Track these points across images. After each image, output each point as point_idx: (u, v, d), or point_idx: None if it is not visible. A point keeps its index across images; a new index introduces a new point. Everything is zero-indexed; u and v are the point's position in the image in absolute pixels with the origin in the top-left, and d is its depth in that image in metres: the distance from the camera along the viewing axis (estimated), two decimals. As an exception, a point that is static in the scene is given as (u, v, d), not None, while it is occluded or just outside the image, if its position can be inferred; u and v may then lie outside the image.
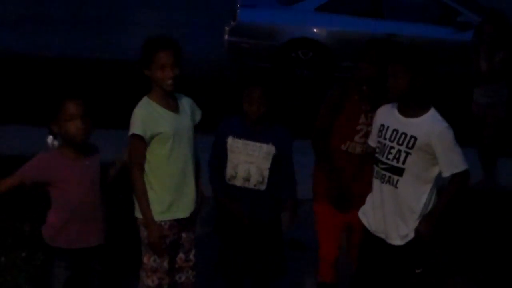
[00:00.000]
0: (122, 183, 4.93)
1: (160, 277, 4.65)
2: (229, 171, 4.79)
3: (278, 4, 11.12)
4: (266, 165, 4.76)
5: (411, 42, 8.88)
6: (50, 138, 4.38)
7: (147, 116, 4.48)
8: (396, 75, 4.30)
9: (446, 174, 4.32)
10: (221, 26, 11.10)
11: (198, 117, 4.73)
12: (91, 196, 4.37)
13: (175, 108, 4.58)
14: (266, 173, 4.77)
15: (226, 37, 10.82)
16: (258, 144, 4.75)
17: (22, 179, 4.26)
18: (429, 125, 4.33)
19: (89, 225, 4.39)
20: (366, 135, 4.75)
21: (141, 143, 4.48)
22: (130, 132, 4.49)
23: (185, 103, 4.67)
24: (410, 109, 4.38)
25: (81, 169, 4.34)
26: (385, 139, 4.41)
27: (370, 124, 4.71)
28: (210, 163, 4.85)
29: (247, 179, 4.77)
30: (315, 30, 10.59)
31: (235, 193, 4.78)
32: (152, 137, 4.48)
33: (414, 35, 10.36)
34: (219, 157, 4.80)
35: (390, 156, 4.40)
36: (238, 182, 4.77)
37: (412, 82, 4.29)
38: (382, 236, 4.51)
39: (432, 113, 4.38)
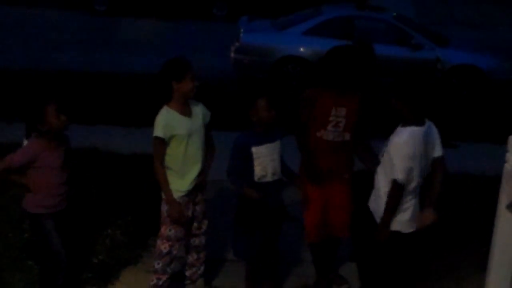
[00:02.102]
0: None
1: (171, 244, 4.71)
2: (258, 173, 4.60)
3: (273, 29, 11.14)
4: (280, 156, 4.70)
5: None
6: (26, 142, 4.56)
7: (167, 122, 4.52)
8: (388, 105, 4.40)
9: (391, 176, 4.32)
10: (228, 47, 11.17)
11: (208, 118, 4.75)
12: (61, 176, 4.52)
13: (189, 114, 4.61)
14: (280, 163, 4.71)
15: (231, 55, 10.86)
16: (275, 143, 4.65)
17: (10, 164, 4.38)
18: (393, 137, 4.37)
19: (59, 196, 4.55)
20: (336, 125, 4.72)
21: (161, 143, 4.54)
22: (154, 135, 4.55)
23: (197, 107, 4.69)
24: (403, 122, 4.37)
25: (57, 155, 4.48)
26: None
27: (339, 116, 4.70)
28: (229, 173, 4.63)
29: (275, 173, 4.66)
30: (301, 49, 10.64)
31: (267, 188, 4.62)
32: (170, 138, 4.54)
33: (378, 53, 10.40)
34: (241, 166, 4.59)
35: (382, 152, 4.50)
36: (269, 178, 4.63)
37: (398, 110, 4.32)
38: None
39: (410, 129, 4.30)
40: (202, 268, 5.00)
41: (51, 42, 12.77)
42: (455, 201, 6.67)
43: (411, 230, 4.47)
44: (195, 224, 4.83)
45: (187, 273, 5.00)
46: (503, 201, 4.41)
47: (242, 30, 10.91)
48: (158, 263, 4.76)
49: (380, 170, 4.48)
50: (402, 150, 4.27)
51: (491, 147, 8.05)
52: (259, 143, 4.58)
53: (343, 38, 10.44)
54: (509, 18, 15.94)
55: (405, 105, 4.29)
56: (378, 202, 4.48)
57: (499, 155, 4.75)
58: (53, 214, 4.55)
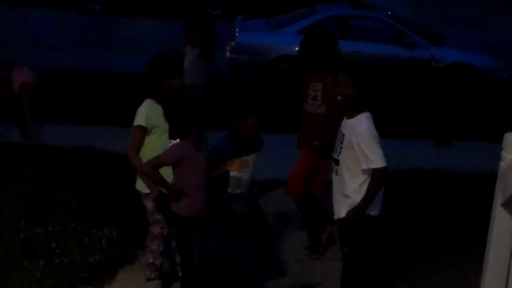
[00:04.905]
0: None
1: (162, 226, 4.76)
2: (233, 184, 4.67)
3: (268, 28, 11.13)
4: (253, 167, 4.74)
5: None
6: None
7: (150, 112, 4.58)
8: (339, 83, 4.31)
9: (362, 166, 4.20)
10: (223, 46, 11.15)
11: None
12: (206, 178, 4.44)
13: None
14: (251, 176, 4.78)
15: (227, 54, 10.86)
16: (253, 155, 4.70)
17: (163, 160, 4.29)
18: (354, 125, 4.24)
19: (202, 199, 4.44)
20: (314, 98, 5.30)
21: (142, 132, 4.58)
22: (135, 124, 4.60)
23: None
24: (348, 112, 4.34)
25: (202, 155, 4.47)
26: (337, 139, 4.45)
27: (316, 90, 5.27)
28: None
29: (248, 185, 4.77)
30: (296, 48, 10.56)
31: (237, 198, 4.68)
32: (152, 128, 4.58)
33: (373, 52, 10.48)
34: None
35: (335, 150, 4.42)
36: (242, 190, 4.71)
37: (348, 89, 4.24)
38: (336, 216, 4.48)
39: (362, 116, 4.26)
40: None
41: (45, 41, 12.77)
42: (450, 199, 6.70)
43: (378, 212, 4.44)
44: None
45: (180, 274, 4.91)
46: (498, 199, 4.43)
47: (237, 30, 10.91)
48: (154, 244, 4.83)
49: (340, 168, 4.36)
50: (369, 136, 4.18)
51: (486, 145, 8.07)
52: (237, 155, 4.54)
53: (338, 37, 10.45)
54: (504, 17, 15.98)
55: (357, 90, 4.23)
56: (346, 202, 4.36)
57: (494, 153, 4.77)
58: (195, 220, 4.45)
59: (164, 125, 4.57)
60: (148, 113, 4.57)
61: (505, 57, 11.07)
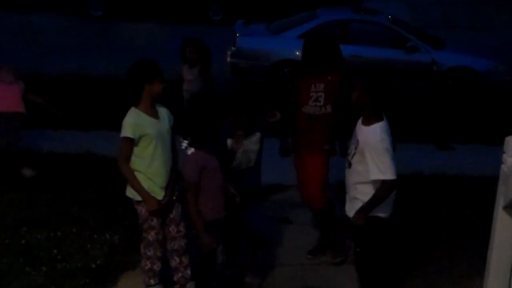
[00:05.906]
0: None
1: (156, 232, 4.77)
2: (233, 163, 4.88)
3: (268, 33, 11.15)
4: (257, 146, 4.92)
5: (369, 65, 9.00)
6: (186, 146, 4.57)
7: (136, 122, 4.56)
8: (353, 88, 4.36)
9: (372, 177, 4.28)
10: (224, 51, 11.17)
11: (172, 121, 4.77)
12: (221, 177, 4.61)
13: (156, 116, 4.67)
14: (257, 151, 4.94)
15: (228, 59, 10.87)
16: (250, 137, 4.87)
17: (193, 183, 4.48)
18: (368, 135, 4.29)
19: (222, 201, 4.64)
20: (316, 100, 5.22)
21: (130, 144, 4.57)
22: (122, 135, 4.58)
23: (163, 111, 4.74)
24: (364, 119, 4.38)
25: (213, 157, 4.58)
26: (351, 142, 4.53)
27: (318, 91, 5.21)
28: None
29: (248, 163, 4.91)
30: (297, 53, 10.56)
31: (239, 174, 4.89)
32: (140, 138, 4.56)
33: (373, 56, 10.47)
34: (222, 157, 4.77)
35: (349, 152, 4.51)
36: (243, 167, 4.90)
37: (361, 96, 4.30)
38: (348, 215, 4.59)
39: (378, 125, 4.30)
40: (188, 271, 4.95)
41: (47, 47, 12.78)
42: (452, 203, 6.69)
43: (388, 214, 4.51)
44: (173, 227, 4.84)
45: (175, 278, 4.98)
46: (500, 202, 4.42)
47: (238, 34, 10.92)
48: (150, 250, 4.84)
49: (351, 171, 4.46)
50: (381, 148, 4.23)
51: (487, 148, 8.07)
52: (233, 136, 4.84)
53: (339, 42, 10.45)
54: (505, 20, 15.99)
55: (372, 98, 4.26)
56: (355, 205, 4.47)
57: (495, 156, 4.76)
58: (216, 223, 4.65)
59: (152, 132, 4.57)
60: (134, 123, 4.56)
61: (506, 60, 11.07)
